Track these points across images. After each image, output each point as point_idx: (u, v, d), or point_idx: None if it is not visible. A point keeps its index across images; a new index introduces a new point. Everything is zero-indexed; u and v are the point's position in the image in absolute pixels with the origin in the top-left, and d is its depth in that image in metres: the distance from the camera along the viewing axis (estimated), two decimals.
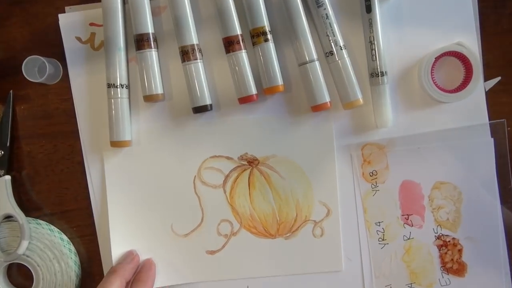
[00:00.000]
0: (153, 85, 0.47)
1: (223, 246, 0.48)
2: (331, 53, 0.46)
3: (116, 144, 0.47)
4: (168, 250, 0.48)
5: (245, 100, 0.46)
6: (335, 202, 0.48)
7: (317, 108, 0.46)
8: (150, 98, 0.47)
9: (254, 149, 0.48)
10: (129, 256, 0.48)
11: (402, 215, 0.49)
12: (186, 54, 0.46)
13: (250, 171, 0.47)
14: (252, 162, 0.47)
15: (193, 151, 0.47)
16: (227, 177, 0.48)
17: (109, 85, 0.46)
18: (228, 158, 0.48)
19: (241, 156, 0.48)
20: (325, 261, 0.48)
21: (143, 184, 0.48)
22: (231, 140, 0.47)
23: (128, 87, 0.47)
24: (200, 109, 0.47)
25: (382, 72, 0.46)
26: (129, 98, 0.48)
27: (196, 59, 0.46)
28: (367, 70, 0.48)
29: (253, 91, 0.46)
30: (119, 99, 0.46)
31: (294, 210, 0.48)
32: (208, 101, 0.46)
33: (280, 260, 0.48)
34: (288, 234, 0.48)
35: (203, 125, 0.48)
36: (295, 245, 0.48)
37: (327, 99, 0.46)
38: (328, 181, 0.47)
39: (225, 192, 0.48)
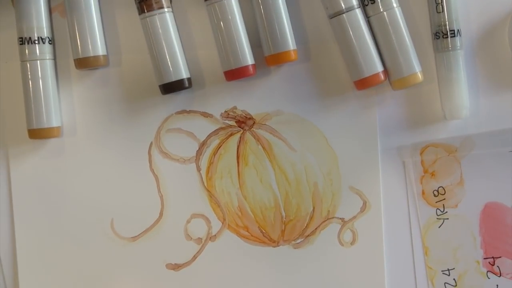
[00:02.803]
0: (89, 42, 0.39)
1: (194, 258, 0.41)
2: (373, 0, 0.39)
3: (38, 133, 0.39)
4: (105, 261, 0.41)
5: (235, 74, 0.39)
6: (376, 189, 0.41)
7: (365, 83, 0.39)
8: (85, 63, 0.39)
9: (247, 103, 0.41)
10: None
11: (485, 259, 0.41)
12: (145, 0, 0.38)
13: (241, 137, 0.41)
14: (243, 122, 0.41)
15: (150, 108, 0.41)
16: (202, 145, 0.41)
17: (22, 40, 0.39)
18: (205, 115, 0.41)
19: (226, 112, 0.41)
20: (359, 283, 0.41)
21: (72, 185, 0.42)
22: (210, 89, 0.41)
23: (52, 41, 0.39)
24: (172, 87, 0.39)
25: (453, 30, 0.39)
26: (55, 59, 0.40)
27: (162, 7, 0.38)
28: (430, 28, 0.41)
29: (249, 60, 0.38)
30: (38, 62, 0.39)
31: (310, 201, 0.41)
32: (184, 74, 0.39)
33: (286, 281, 0.42)
34: (299, 240, 0.41)
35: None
36: (311, 258, 0.41)
37: (379, 67, 0.39)
38: (365, 156, 0.42)
39: (199, 169, 0.41)
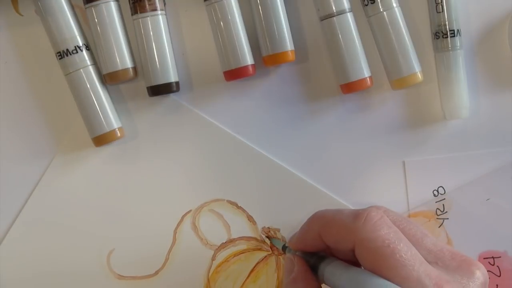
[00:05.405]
0: (116, 54, 0.38)
1: None
2: (373, 0, 0.38)
3: (103, 139, 0.39)
4: (85, 283, 0.40)
5: (235, 74, 0.38)
6: None
7: (350, 87, 0.38)
8: (114, 77, 0.39)
9: (287, 229, 0.41)
10: None
11: (485, 259, 0.41)
12: (139, 1, 0.38)
13: (265, 257, 0.41)
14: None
15: (201, 184, 0.41)
16: (230, 242, 0.41)
17: (61, 54, 0.38)
18: (250, 219, 0.41)
19: (268, 228, 0.41)
20: None
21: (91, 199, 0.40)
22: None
23: (89, 47, 0.39)
24: (160, 90, 0.38)
25: (453, 30, 0.39)
26: (95, 64, 0.39)
27: (155, 9, 0.38)
28: (429, 28, 0.40)
29: (248, 60, 0.38)
30: (81, 71, 0.38)
31: None
32: (173, 78, 0.38)
33: None
34: None
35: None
36: None
37: (366, 73, 0.38)
38: None
39: (213, 259, 0.41)
